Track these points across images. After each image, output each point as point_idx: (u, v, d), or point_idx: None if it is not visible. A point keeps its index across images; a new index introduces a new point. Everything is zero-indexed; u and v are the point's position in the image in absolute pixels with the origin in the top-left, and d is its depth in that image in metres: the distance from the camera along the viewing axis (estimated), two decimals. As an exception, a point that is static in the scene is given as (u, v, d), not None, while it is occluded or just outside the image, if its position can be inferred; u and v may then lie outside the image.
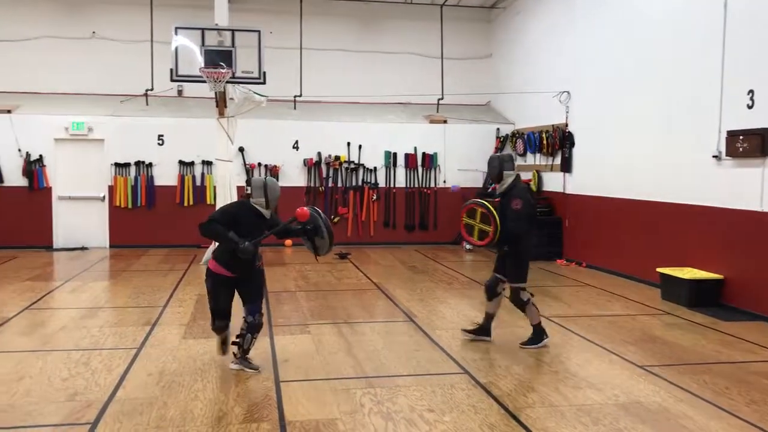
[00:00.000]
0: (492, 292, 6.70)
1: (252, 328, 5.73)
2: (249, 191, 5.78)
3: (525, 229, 6.41)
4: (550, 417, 4.77)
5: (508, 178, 6.52)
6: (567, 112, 12.35)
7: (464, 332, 6.85)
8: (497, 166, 6.54)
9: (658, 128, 9.71)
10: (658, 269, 9.02)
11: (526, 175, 13.99)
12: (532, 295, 6.63)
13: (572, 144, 12.23)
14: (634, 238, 10.34)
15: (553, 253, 12.45)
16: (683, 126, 9.17)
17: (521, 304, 6.58)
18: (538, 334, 6.59)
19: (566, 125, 12.38)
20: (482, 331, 6.81)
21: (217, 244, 5.85)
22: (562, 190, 12.59)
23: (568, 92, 12.27)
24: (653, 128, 9.82)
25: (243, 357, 5.80)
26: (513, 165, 6.58)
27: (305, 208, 5.60)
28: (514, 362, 6.09)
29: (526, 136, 13.92)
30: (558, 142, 12.60)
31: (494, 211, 6.32)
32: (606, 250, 11.14)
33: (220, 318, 5.75)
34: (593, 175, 11.57)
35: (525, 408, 4.94)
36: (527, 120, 14.08)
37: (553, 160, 12.93)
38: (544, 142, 13.03)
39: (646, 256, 9.91)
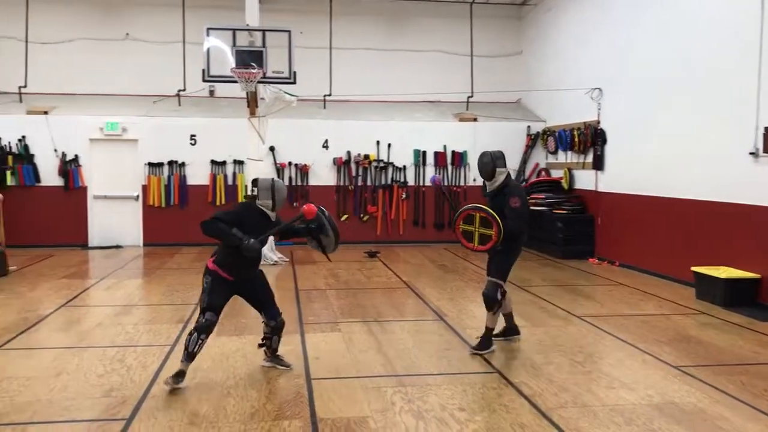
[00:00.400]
0: (493, 300, 6.42)
1: (277, 330, 5.73)
2: (254, 192, 5.59)
3: (524, 227, 6.30)
4: (582, 417, 4.73)
5: (500, 175, 6.32)
6: (599, 109, 12.21)
7: (491, 338, 6.44)
8: (490, 162, 6.32)
9: (693, 125, 9.55)
10: (693, 268, 8.87)
11: (557, 173, 13.89)
12: (505, 293, 6.40)
13: (604, 141, 12.09)
14: (668, 237, 10.19)
15: (585, 251, 12.34)
16: (720, 123, 9.01)
17: (492, 301, 6.30)
18: (489, 340, 6.36)
19: (598, 122, 12.25)
20: (509, 331, 6.74)
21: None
22: (594, 188, 12.46)
23: (600, 89, 12.12)
24: (689, 125, 9.65)
25: (274, 356, 5.82)
26: (505, 162, 6.38)
27: (312, 205, 5.45)
28: (546, 362, 6.04)
29: (557, 134, 13.80)
30: (590, 140, 12.47)
31: (495, 215, 6.08)
32: (639, 249, 10.99)
33: (210, 311, 5.35)
34: (626, 172, 11.42)
35: (557, 408, 4.90)
36: (558, 117, 13.96)
37: (584, 158, 12.80)
38: (576, 139, 12.91)
39: (680, 254, 9.76)
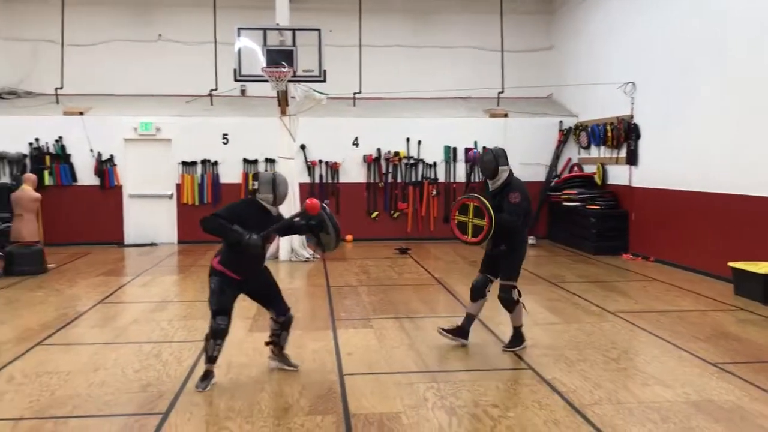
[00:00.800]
0: (479, 293, 6.30)
1: (286, 325, 5.61)
2: (255, 186, 5.46)
3: (520, 222, 6.06)
4: (617, 414, 4.68)
5: (503, 173, 6.11)
6: (632, 103, 12.04)
7: (441, 331, 6.41)
8: (492, 160, 6.09)
9: (733, 118, 9.36)
10: (730, 264, 8.70)
11: (590, 168, 13.73)
12: (521, 294, 6.26)
13: (638, 136, 11.92)
14: (705, 232, 10.01)
15: (618, 247, 12.20)
16: (761, 115, 8.80)
17: (511, 303, 6.18)
18: (519, 337, 6.29)
19: (632, 117, 12.07)
20: (460, 332, 6.38)
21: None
22: (627, 183, 12.29)
23: (634, 83, 11.95)
24: (728, 118, 9.47)
25: (281, 354, 5.71)
26: (507, 160, 6.15)
27: (315, 200, 5.27)
28: (580, 358, 5.98)
29: (589, 129, 13.63)
30: (623, 134, 12.30)
31: (487, 204, 5.89)
32: (674, 244, 10.82)
33: (222, 315, 5.28)
34: (661, 167, 11.24)
35: (591, 405, 4.86)
36: (591, 112, 13.79)
37: (618, 153, 12.63)
38: (609, 134, 12.74)
39: (717, 250, 9.58)
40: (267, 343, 5.71)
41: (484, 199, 5.95)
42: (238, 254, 5.20)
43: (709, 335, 6.73)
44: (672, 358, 6.01)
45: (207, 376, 5.30)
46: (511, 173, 6.18)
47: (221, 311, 5.28)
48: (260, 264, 5.49)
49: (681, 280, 9.65)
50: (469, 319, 6.41)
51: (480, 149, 14.26)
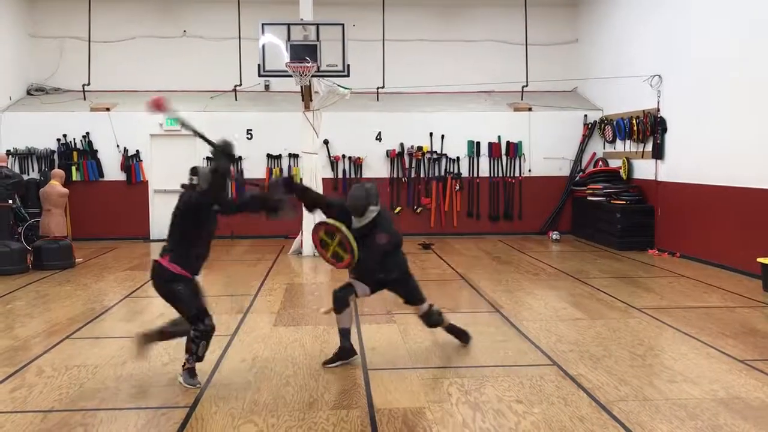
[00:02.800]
0: (344, 302, 5.70)
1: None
2: (195, 181, 5.31)
3: (378, 261, 5.69)
4: (643, 411, 4.64)
5: (371, 213, 5.70)
6: (658, 96, 11.89)
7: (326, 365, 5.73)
8: (363, 197, 5.68)
9: (761, 111, 9.20)
10: (759, 259, 8.58)
11: (615, 163, 13.59)
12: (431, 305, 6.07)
13: (664, 130, 11.78)
14: (734, 227, 9.86)
15: (644, 242, 12.08)
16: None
17: (438, 321, 6.04)
18: (462, 333, 6.21)
19: (658, 110, 11.93)
20: (345, 352, 5.74)
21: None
22: (653, 178, 12.15)
23: (660, 76, 11.80)
24: (756, 111, 9.31)
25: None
26: (378, 199, 5.79)
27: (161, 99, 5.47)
28: (605, 354, 5.94)
29: (615, 123, 13.50)
30: (649, 128, 12.15)
31: (352, 242, 5.49)
32: (701, 240, 10.68)
33: (208, 315, 5.20)
34: (688, 161, 11.10)
35: (617, 401, 4.82)
36: (616, 106, 13.65)
37: (644, 147, 12.49)
38: (635, 128, 12.60)
39: (746, 245, 9.43)
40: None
41: (349, 236, 5.52)
42: (191, 248, 5.15)
43: (737, 332, 6.64)
44: (699, 354, 5.94)
45: (194, 373, 5.20)
46: (380, 213, 5.78)
47: (204, 312, 5.19)
48: (205, 260, 5.33)
49: (708, 276, 9.53)
50: (345, 333, 5.78)
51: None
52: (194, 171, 5.37)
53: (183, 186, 5.36)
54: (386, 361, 5.83)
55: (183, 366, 5.23)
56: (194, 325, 5.15)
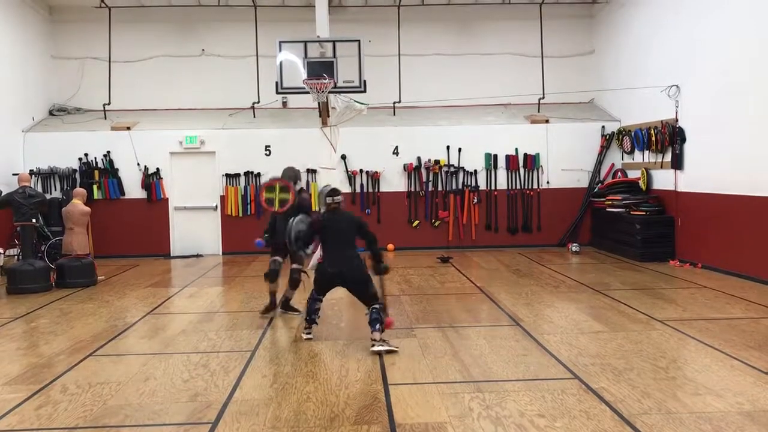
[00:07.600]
0: (293, 282, 8.13)
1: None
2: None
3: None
4: (667, 424, 4.59)
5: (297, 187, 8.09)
6: (677, 106, 11.83)
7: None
8: (293, 171, 8.32)
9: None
10: (783, 269, 8.48)
11: (634, 174, 13.52)
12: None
13: (683, 140, 11.70)
14: (756, 237, 9.76)
15: (665, 253, 11.97)
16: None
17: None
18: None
19: (676, 120, 11.86)
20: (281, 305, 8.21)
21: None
22: (673, 188, 12.06)
23: (678, 86, 11.75)
24: (773, 120, 9.25)
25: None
26: (300, 184, 8.43)
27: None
28: (627, 367, 5.89)
29: (633, 133, 13.44)
30: (668, 138, 12.09)
31: (290, 184, 7.82)
32: (724, 250, 10.57)
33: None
34: (708, 171, 11.01)
35: (640, 414, 4.77)
36: (634, 116, 13.60)
37: (662, 157, 12.41)
38: (653, 138, 12.54)
39: (768, 255, 9.34)
40: None
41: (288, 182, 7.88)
42: None
43: (761, 343, 6.56)
44: (723, 367, 5.87)
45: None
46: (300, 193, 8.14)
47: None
48: None
49: (731, 287, 9.42)
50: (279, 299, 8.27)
51: (510, 158, 14.22)
52: (335, 192, 6.89)
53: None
54: (407, 376, 5.82)
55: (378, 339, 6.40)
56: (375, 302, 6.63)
